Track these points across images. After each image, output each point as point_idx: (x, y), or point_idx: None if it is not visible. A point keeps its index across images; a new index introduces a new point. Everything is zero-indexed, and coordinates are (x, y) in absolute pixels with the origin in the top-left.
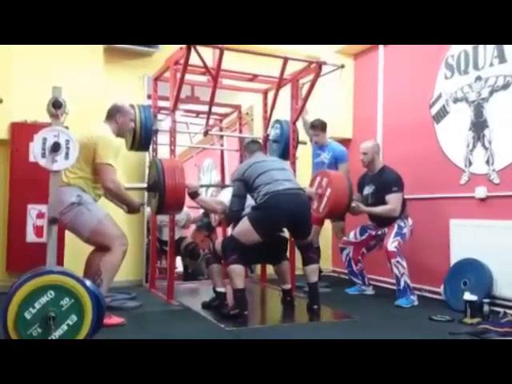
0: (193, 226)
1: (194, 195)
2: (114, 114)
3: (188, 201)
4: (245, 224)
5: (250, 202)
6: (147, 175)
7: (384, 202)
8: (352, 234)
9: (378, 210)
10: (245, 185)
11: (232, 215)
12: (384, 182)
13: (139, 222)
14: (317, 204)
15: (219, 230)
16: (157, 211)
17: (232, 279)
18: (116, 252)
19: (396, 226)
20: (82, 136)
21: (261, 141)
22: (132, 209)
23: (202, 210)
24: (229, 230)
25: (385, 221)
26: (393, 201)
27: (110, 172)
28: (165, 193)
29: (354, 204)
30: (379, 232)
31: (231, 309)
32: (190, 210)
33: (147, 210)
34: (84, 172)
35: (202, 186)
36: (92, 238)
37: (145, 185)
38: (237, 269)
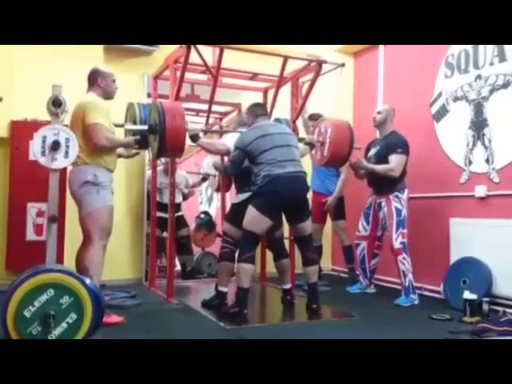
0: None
1: (195, 138)
2: (95, 79)
3: (187, 166)
4: (251, 212)
5: None
6: (148, 119)
7: (386, 163)
8: (360, 226)
9: (379, 167)
10: (245, 155)
11: (225, 176)
12: (390, 143)
13: (139, 222)
14: (320, 152)
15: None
16: (157, 154)
17: (240, 278)
18: (95, 246)
19: (394, 211)
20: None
21: None
22: (132, 144)
23: (200, 176)
24: (227, 196)
25: (382, 186)
26: (395, 161)
27: (101, 130)
28: (165, 134)
29: (356, 160)
30: (380, 215)
31: (231, 307)
32: (188, 175)
33: (148, 173)
34: (89, 143)
35: (202, 130)
36: (84, 220)
37: (146, 126)
38: (247, 268)
